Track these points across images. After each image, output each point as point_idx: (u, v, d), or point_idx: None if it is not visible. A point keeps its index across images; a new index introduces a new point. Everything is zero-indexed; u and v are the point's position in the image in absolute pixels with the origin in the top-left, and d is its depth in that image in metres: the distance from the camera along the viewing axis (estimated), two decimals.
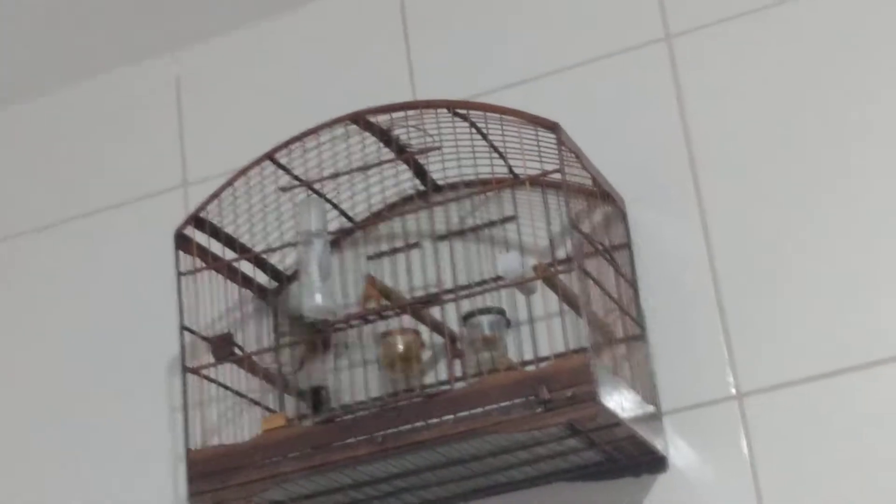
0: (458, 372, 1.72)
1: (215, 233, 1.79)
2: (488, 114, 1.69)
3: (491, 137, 1.74)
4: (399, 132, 1.75)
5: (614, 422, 1.60)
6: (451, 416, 1.58)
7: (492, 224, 1.82)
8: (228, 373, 1.77)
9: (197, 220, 1.78)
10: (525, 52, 1.94)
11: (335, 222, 1.84)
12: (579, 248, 1.62)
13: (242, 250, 1.80)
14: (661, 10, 1.90)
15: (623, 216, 1.82)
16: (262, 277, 1.87)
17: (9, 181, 2.20)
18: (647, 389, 1.73)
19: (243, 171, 1.76)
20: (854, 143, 1.77)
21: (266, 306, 1.88)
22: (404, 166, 1.79)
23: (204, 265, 1.78)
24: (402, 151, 1.76)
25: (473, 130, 1.73)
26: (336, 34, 2.06)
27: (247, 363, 1.76)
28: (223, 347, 1.73)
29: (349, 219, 1.87)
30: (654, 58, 1.88)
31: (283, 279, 1.89)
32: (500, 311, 1.74)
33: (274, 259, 1.86)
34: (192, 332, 1.75)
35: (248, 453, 1.65)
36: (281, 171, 1.77)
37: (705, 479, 1.71)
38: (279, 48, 2.09)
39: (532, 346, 1.70)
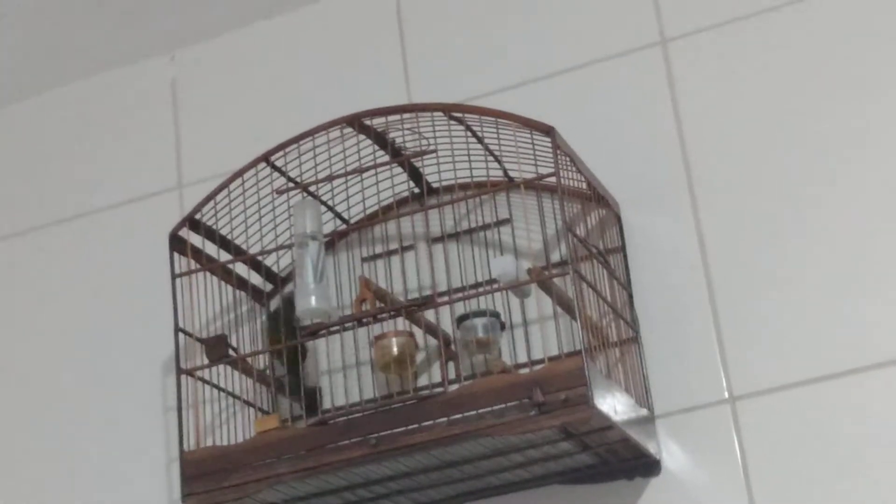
0: (451, 374, 1.72)
1: (210, 235, 1.79)
2: (484, 117, 1.69)
3: (486, 141, 1.74)
4: (395, 135, 1.76)
5: (608, 425, 1.60)
6: (445, 419, 1.58)
7: (487, 227, 1.83)
8: (223, 374, 1.77)
9: (192, 222, 1.78)
10: (521, 55, 1.94)
11: (330, 224, 1.84)
12: (574, 252, 1.63)
13: (237, 252, 1.80)
14: (656, 15, 1.90)
15: (618, 220, 1.82)
16: (256, 279, 1.87)
17: (3, 182, 2.20)
18: (641, 392, 1.74)
19: (239, 173, 1.77)
20: (849, 147, 1.77)
21: (260, 308, 1.88)
22: (399, 169, 1.80)
23: (199, 267, 1.78)
24: (397, 154, 1.77)
25: (469, 133, 1.73)
26: (332, 37, 2.06)
27: (241, 365, 1.76)
28: (217, 349, 1.73)
29: (344, 221, 1.87)
30: (650, 62, 1.88)
31: (278, 281, 1.89)
32: (495, 314, 1.74)
33: (269, 261, 1.86)
34: (186, 333, 1.75)
35: (241, 455, 1.65)
36: (276, 174, 1.77)
37: (698, 483, 1.71)
38: (275, 50, 2.09)
39: (526, 349, 1.71)
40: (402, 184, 1.82)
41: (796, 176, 1.78)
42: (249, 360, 1.76)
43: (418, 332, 1.75)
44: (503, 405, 1.57)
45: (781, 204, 1.78)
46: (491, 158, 1.76)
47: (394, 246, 1.82)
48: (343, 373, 1.80)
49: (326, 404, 1.81)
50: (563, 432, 1.60)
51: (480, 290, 1.70)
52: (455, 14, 2.00)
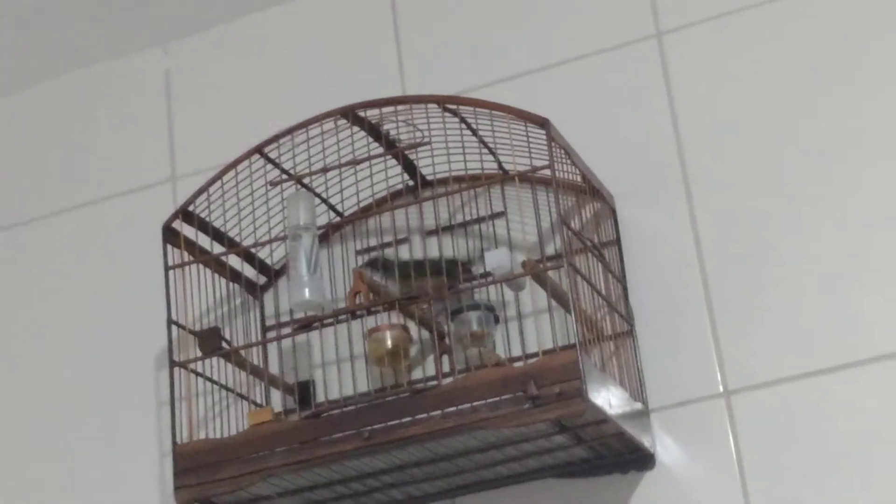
0: (445, 368, 1.72)
1: (203, 227, 1.79)
2: (478, 109, 1.69)
3: (481, 133, 1.74)
4: (389, 127, 1.75)
5: (602, 418, 1.59)
6: (439, 412, 1.58)
7: (481, 220, 1.82)
8: (216, 367, 1.76)
9: (185, 214, 1.78)
10: (516, 47, 1.94)
11: (324, 217, 1.83)
12: (568, 245, 1.62)
13: (231, 244, 1.80)
14: (651, 7, 1.89)
15: (613, 213, 1.82)
16: (250, 272, 1.87)
17: None
18: (635, 386, 1.73)
19: (232, 165, 1.76)
20: (844, 143, 1.77)
21: (254, 300, 1.87)
22: (394, 161, 1.79)
23: (192, 259, 1.77)
24: (391, 146, 1.76)
25: (463, 126, 1.72)
26: (327, 28, 2.05)
27: (234, 357, 1.75)
28: (211, 341, 1.72)
29: (338, 213, 1.86)
30: (645, 55, 1.88)
31: (272, 273, 1.89)
32: (489, 307, 1.74)
33: (262, 253, 1.86)
34: (179, 326, 1.75)
35: (234, 448, 1.65)
36: (270, 165, 1.76)
37: (692, 477, 1.71)
38: (269, 42, 2.08)
39: (520, 342, 1.70)
40: (396, 176, 1.82)
41: (791, 170, 1.78)
42: (242, 352, 1.75)
43: (412, 325, 1.74)
44: (497, 398, 1.56)
45: (776, 198, 1.78)
46: (485, 151, 1.76)
47: (388, 238, 1.81)
48: (337, 366, 1.80)
49: (320, 397, 1.80)
50: (558, 426, 1.60)
51: (475, 283, 1.69)
52: (450, 6, 2.00)
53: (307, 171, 1.75)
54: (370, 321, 1.73)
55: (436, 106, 1.70)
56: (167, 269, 1.76)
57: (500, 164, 1.79)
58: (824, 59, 1.81)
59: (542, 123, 1.65)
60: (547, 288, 1.64)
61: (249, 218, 1.79)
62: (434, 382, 1.62)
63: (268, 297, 1.89)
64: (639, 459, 1.72)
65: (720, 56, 1.85)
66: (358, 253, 1.86)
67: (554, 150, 1.64)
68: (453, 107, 1.70)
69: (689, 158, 1.82)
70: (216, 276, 1.80)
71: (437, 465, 1.68)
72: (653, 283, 1.79)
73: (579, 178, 1.74)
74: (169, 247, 1.76)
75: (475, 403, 1.57)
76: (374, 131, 1.76)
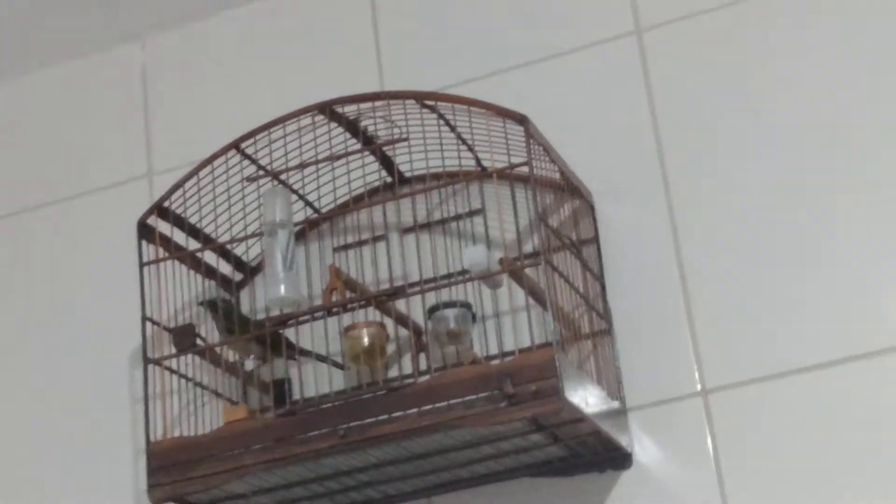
0: (422, 366, 1.71)
1: (179, 223, 1.78)
2: (456, 105, 1.68)
3: (459, 129, 1.73)
4: (366, 123, 1.74)
5: (578, 417, 1.59)
6: (415, 410, 1.57)
7: (459, 217, 1.81)
8: (190, 364, 1.75)
9: (160, 210, 1.77)
10: (494, 44, 1.93)
11: (301, 213, 1.82)
12: (546, 242, 1.61)
13: (206, 240, 1.79)
14: (631, 4, 1.89)
15: (591, 210, 1.81)
16: (225, 268, 1.86)
17: None
18: (613, 385, 1.73)
19: (209, 161, 1.75)
20: (826, 137, 1.77)
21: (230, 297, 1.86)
22: (371, 157, 1.78)
23: (167, 255, 1.76)
24: (369, 142, 1.75)
25: (441, 122, 1.72)
26: (305, 24, 2.05)
27: (209, 355, 1.74)
28: (185, 338, 1.71)
29: (315, 210, 1.85)
30: (625, 52, 1.87)
31: (248, 270, 1.88)
32: (466, 305, 1.73)
33: (238, 250, 1.85)
34: (154, 322, 1.74)
35: (209, 445, 1.64)
36: (246, 161, 1.75)
37: (670, 476, 1.71)
38: (247, 37, 2.07)
39: (497, 340, 1.69)
40: (373, 173, 1.81)
41: (771, 167, 1.78)
42: (217, 349, 1.74)
43: (389, 323, 1.73)
44: (473, 396, 1.56)
45: (755, 196, 1.77)
46: (464, 147, 1.75)
47: (365, 236, 1.80)
48: (313, 363, 1.79)
49: (295, 395, 1.79)
50: (534, 424, 1.59)
51: (452, 280, 1.69)
52: (429, 3, 1.99)
53: (284, 167, 1.74)
54: (346, 318, 1.72)
55: (414, 102, 1.69)
56: (142, 265, 1.75)
57: (478, 160, 1.78)
58: (805, 54, 1.80)
59: (521, 120, 1.64)
60: (524, 286, 1.64)
61: (226, 214, 1.78)
62: (410, 380, 1.61)
63: (244, 294, 1.88)
64: (616, 458, 1.71)
65: (700, 53, 1.85)
66: (335, 250, 1.85)
67: (532, 147, 1.63)
68: (431, 103, 1.69)
69: (669, 156, 1.82)
70: (191, 272, 1.79)
71: (414, 464, 1.67)
72: (631, 282, 1.78)
73: (558, 176, 1.73)
74: (144, 243, 1.75)
75: (451, 401, 1.56)
76: (352, 127, 1.75)
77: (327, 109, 1.72)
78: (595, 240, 1.80)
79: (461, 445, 1.63)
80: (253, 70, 2.05)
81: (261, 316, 1.82)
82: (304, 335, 1.79)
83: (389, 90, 1.84)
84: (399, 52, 1.97)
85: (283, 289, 1.67)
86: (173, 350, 1.72)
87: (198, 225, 1.78)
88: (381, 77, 1.97)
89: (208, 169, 1.75)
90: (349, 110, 1.73)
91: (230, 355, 1.77)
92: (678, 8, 1.86)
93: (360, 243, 1.83)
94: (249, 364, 1.79)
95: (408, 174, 1.81)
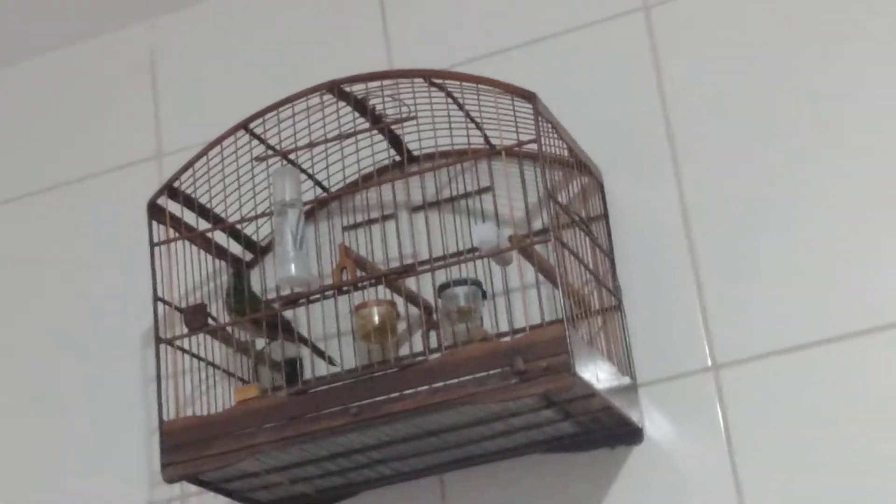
0: (433, 343, 1.71)
1: (189, 203, 1.78)
2: (465, 84, 1.68)
3: (467, 107, 1.73)
4: (375, 102, 1.74)
5: (589, 393, 1.59)
6: (426, 388, 1.57)
7: (468, 195, 1.82)
8: (202, 344, 1.76)
9: (170, 190, 1.77)
10: (502, 21, 1.93)
11: (310, 192, 1.83)
12: (556, 219, 1.62)
13: (216, 220, 1.79)
14: None
15: (600, 187, 1.81)
16: (236, 248, 1.86)
17: None
18: (623, 361, 1.73)
19: (218, 141, 1.75)
20: (834, 112, 1.76)
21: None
22: (380, 136, 1.78)
23: (177, 235, 1.76)
24: (377, 121, 1.75)
25: (450, 100, 1.72)
26: (312, 3, 2.04)
27: (221, 334, 1.75)
28: (197, 318, 1.72)
29: (324, 189, 1.85)
30: (632, 28, 1.87)
31: (258, 250, 1.88)
32: (476, 283, 1.74)
33: (248, 229, 1.85)
34: (165, 302, 1.74)
35: (222, 424, 1.64)
36: (255, 141, 1.76)
37: (681, 451, 1.71)
38: (255, 17, 2.07)
39: (507, 317, 1.70)
40: (382, 151, 1.81)
41: (779, 143, 1.78)
42: (229, 329, 1.75)
43: (399, 301, 1.74)
44: (484, 373, 1.56)
45: (764, 171, 1.77)
46: (472, 125, 1.75)
47: (374, 214, 1.80)
48: (324, 342, 1.79)
49: (307, 374, 1.80)
50: (545, 400, 1.60)
51: (462, 258, 1.69)
52: None
53: (293, 146, 1.74)
54: (357, 297, 1.73)
55: (422, 80, 1.69)
56: (153, 245, 1.75)
57: (486, 138, 1.78)
58: (813, 30, 1.80)
59: (530, 97, 1.64)
60: (534, 263, 1.64)
61: (235, 194, 1.78)
62: (422, 358, 1.61)
63: (254, 274, 1.88)
64: (627, 434, 1.72)
65: (708, 29, 1.84)
66: (345, 229, 1.85)
67: (541, 124, 1.63)
68: (440, 81, 1.69)
69: (677, 132, 1.82)
70: (202, 252, 1.79)
71: (425, 441, 1.68)
72: (641, 258, 1.78)
73: (566, 153, 1.73)
74: (154, 223, 1.76)
75: (462, 379, 1.56)
76: (360, 106, 1.75)
77: (335, 88, 1.72)
78: (604, 216, 1.80)
79: (473, 422, 1.64)
80: (261, 50, 2.05)
81: (271, 295, 1.83)
82: (315, 314, 1.80)
83: (397, 69, 1.85)
84: (407, 30, 1.97)
85: (293, 268, 1.67)
86: (185, 330, 1.72)
87: (207, 205, 1.78)
88: (388, 56, 1.96)
89: (217, 149, 1.75)
90: (357, 89, 1.73)
91: (241, 335, 1.78)
92: None
93: (370, 222, 1.83)
94: (260, 343, 1.80)
95: (416, 152, 1.81)
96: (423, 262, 1.68)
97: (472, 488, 1.77)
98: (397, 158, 1.82)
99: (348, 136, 1.73)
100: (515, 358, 1.55)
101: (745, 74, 1.81)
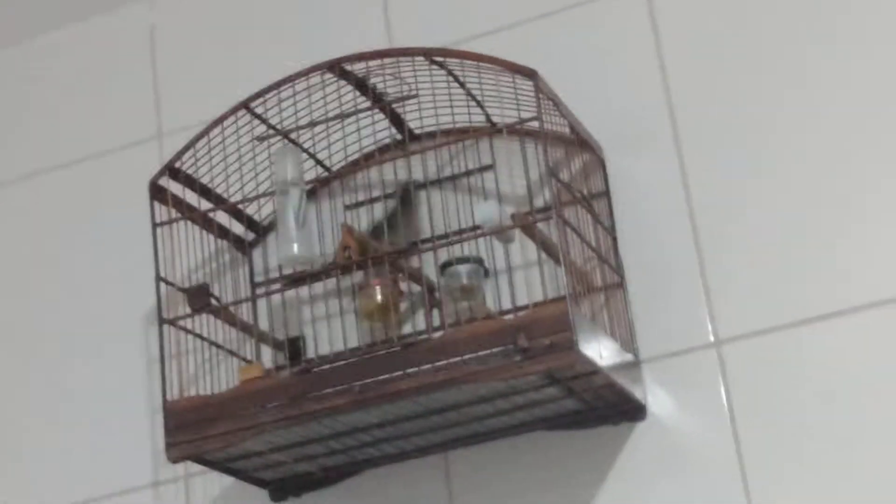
0: (436, 321, 1.71)
1: (190, 183, 1.78)
2: (465, 61, 1.67)
3: (468, 85, 1.73)
4: (375, 80, 1.74)
5: (592, 370, 1.59)
6: (430, 366, 1.58)
7: (469, 173, 1.82)
8: (205, 324, 1.76)
9: (172, 171, 1.77)
10: None
11: (312, 172, 1.83)
12: (557, 197, 1.62)
13: (218, 201, 1.79)
14: None
15: (602, 164, 1.81)
16: (238, 228, 1.86)
17: None
18: (626, 337, 1.73)
19: (219, 121, 1.75)
20: (837, 88, 1.76)
21: (242, 256, 1.87)
22: (381, 115, 1.78)
23: (179, 216, 1.76)
24: (378, 100, 1.75)
25: (450, 78, 1.71)
26: None
27: (224, 314, 1.75)
28: (200, 298, 1.72)
29: (326, 168, 1.85)
30: (633, 4, 1.87)
31: (260, 229, 1.88)
32: (478, 261, 1.74)
33: (250, 209, 1.85)
34: (168, 283, 1.74)
35: (225, 404, 1.65)
36: (256, 121, 1.75)
37: (684, 427, 1.71)
38: None
39: (510, 295, 1.70)
40: (383, 130, 1.80)
41: (781, 117, 1.77)
42: (232, 308, 1.75)
43: (402, 280, 1.74)
44: (488, 351, 1.56)
45: (767, 146, 1.77)
46: (473, 103, 1.75)
47: (376, 193, 1.80)
48: (327, 321, 1.79)
49: (310, 353, 1.80)
50: (548, 378, 1.60)
51: (464, 236, 1.69)
52: None
53: (294, 125, 1.74)
54: (360, 276, 1.73)
55: (423, 59, 1.69)
56: (154, 226, 1.75)
57: (488, 116, 1.78)
58: (813, 6, 1.79)
59: (530, 75, 1.64)
60: (536, 240, 1.64)
61: (237, 174, 1.78)
62: (425, 336, 1.61)
63: (256, 254, 1.89)
64: (630, 410, 1.72)
65: (709, 5, 1.84)
66: (347, 208, 1.85)
67: (542, 101, 1.63)
68: (440, 59, 1.69)
69: (678, 108, 1.82)
70: (204, 232, 1.79)
71: (429, 419, 1.68)
72: (643, 234, 1.78)
73: (568, 130, 1.73)
74: (156, 204, 1.76)
75: (466, 357, 1.56)
76: (361, 85, 1.75)
77: (336, 67, 1.72)
78: (606, 193, 1.80)
79: (476, 400, 1.64)
80: (261, 29, 2.05)
81: (274, 275, 1.83)
82: (318, 293, 1.80)
83: (398, 47, 1.84)
84: (407, 8, 1.97)
85: (295, 248, 1.67)
86: (188, 310, 1.72)
87: (209, 185, 1.78)
88: (389, 34, 1.96)
89: (218, 129, 1.75)
90: (358, 68, 1.72)
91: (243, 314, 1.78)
92: None
93: (372, 201, 1.83)
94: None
95: (418, 131, 1.81)
96: (425, 241, 1.68)
97: (476, 465, 1.77)
98: (398, 137, 1.82)
99: (349, 115, 1.73)
100: (518, 335, 1.55)
101: (746, 48, 1.81)
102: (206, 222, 1.79)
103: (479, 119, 1.77)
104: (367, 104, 1.74)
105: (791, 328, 1.70)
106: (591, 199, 1.77)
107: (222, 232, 1.83)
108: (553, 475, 1.74)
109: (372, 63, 1.71)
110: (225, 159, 1.76)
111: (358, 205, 1.85)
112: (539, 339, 1.54)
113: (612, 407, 1.71)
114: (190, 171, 1.77)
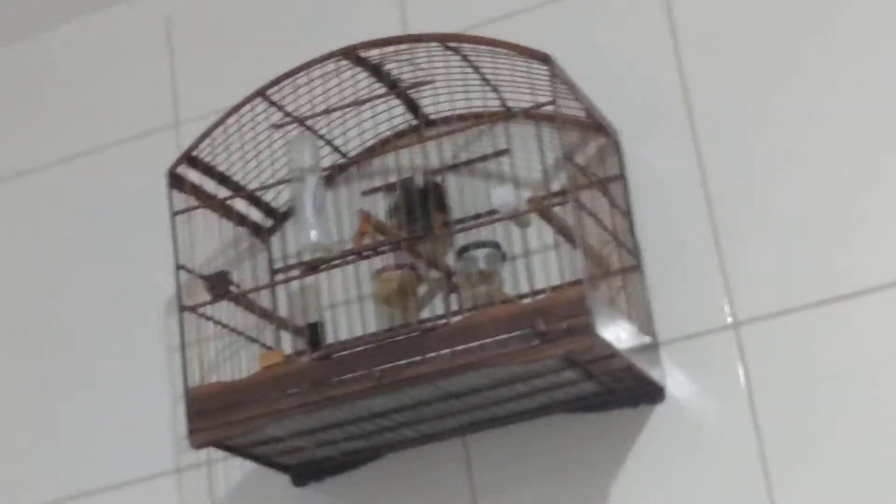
0: (454, 306, 1.72)
1: (208, 171, 1.79)
2: (480, 47, 1.68)
3: (483, 71, 1.73)
4: (391, 67, 1.74)
5: (611, 353, 1.60)
6: (448, 350, 1.58)
7: (485, 158, 1.82)
8: (225, 311, 1.77)
9: (190, 159, 1.78)
10: None
11: (328, 158, 1.83)
12: (573, 181, 1.62)
13: (236, 188, 1.80)
14: None
15: (617, 148, 1.81)
16: (256, 215, 1.87)
17: (0, 123, 2.19)
18: (644, 320, 1.74)
19: (235, 109, 1.76)
20: (854, 70, 1.76)
21: (261, 244, 1.88)
22: (396, 101, 1.78)
23: (198, 204, 1.77)
24: (394, 86, 1.75)
25: (465, 64, 1.72)
26: None
27: (243, 300, 1.76)
28: (219, 285, 1.73)
29: (342, 154, 1.86)
30: None
31: (278, 216, 1.89)
32: (495, 245, 1.74)
33: (268, 196, 1.86)
34: (188, 270, 1.75)
35: (246, 390, 1.66)
36: (273, 108, 1.76)
37: (703, 409, 1.72)
38: None
39: (528, 279, 1.70)
40: (399, 116, 1.81)
41: (798, 100, 1.77)
42: (251, 295, 1.76)
43: (420, 265, 1.74)
44: (506, 335, 1.56)
45: (781, 127, 1.77)
46: (488, 88, 1.75)
47: (393, 179, 1.81)
48: (345, 307, 1.80)
49: (330, 339, 1.81)
50: (567, 361, 1.60)
51: (481, 221, 1.69)
52: None
53: (310, 113, 1.74)
54: (377, 261, 1.73)
55: (437, 45, 1.69)
56: (173, 214, 1.76)
57: (503, 101, 1.78)
58: None
59: (545, 59, 1.64)
60: (553, 224, 1.64)
61: (254, 161, 1.79)
62: (443, 321, 1.62)
63: (275, 240, 1.89)
64: (649, 393, 1.73)
65: None
66: (364, 194, 1.86)
67: (557, 85, 1.63)
68: (455, 45, 1.69)
69: (693, 90, 1.82)
70: (223, 220, 1.80)
71: (448, 404, 1.69)
72: (659, 217, 1.78)
73: (583, 114, 1.73)
74: (175, 192, 1.76)
75: (484, 341, 1.57)
76: (376, 72, 1.75)
77: (351, 54, 1.72)
78: (621, 176, 1.80)
79: (495, 384, 1.65)
80: (276, 17, 2.05)
81: (292, 261, 1.84)
82: (336, 279, 1.80)
83: (412, 33, 1.84)
84: None
85: (313, 234, 1.68)
86: (208, 297, 1.73)
87: (227, 173, 1.79)
88: (403, 20, 1.96)
89: (235, 117, 1.76)
90: (373, 55, 1.73)
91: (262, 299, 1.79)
92: None
93: (389, 186, 1.84)
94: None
95: (433, 117, 1.81)
96: (442, 226, 1.68)
97: (496, 449, 1.78)
98: (414, 123, 1.83)
99: (365, 101, 1.73)
100: (536, 319, 1.55)
101: (761, 31, 1.81)
102: (224, 210, 1.80)
103: (494, 104, 1.77)
104: (383, 90, 1.75)
105: (809, 309, 1.70)
106: (607, 182, 1.77)
107: (240, 219, 1.84)
108: (572, 458, 1.75)
109: (387, 49, 1.71)
110: (242, 147, 1.77)
111: (374, 190, 1.86)
112: (557, 322, 1.55)
113: (631, 389, 1.72)
114: (208, 160, 1.78)
